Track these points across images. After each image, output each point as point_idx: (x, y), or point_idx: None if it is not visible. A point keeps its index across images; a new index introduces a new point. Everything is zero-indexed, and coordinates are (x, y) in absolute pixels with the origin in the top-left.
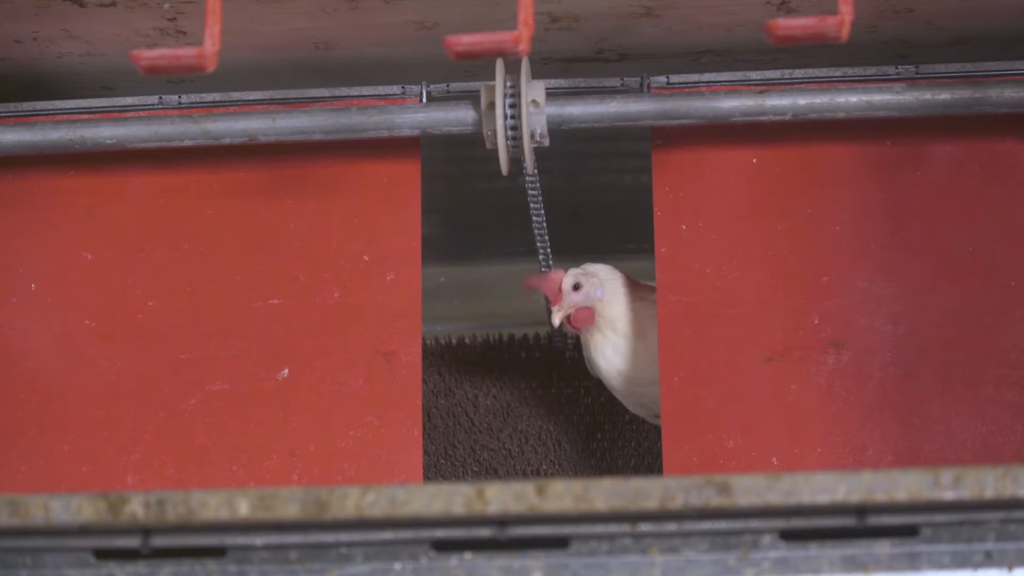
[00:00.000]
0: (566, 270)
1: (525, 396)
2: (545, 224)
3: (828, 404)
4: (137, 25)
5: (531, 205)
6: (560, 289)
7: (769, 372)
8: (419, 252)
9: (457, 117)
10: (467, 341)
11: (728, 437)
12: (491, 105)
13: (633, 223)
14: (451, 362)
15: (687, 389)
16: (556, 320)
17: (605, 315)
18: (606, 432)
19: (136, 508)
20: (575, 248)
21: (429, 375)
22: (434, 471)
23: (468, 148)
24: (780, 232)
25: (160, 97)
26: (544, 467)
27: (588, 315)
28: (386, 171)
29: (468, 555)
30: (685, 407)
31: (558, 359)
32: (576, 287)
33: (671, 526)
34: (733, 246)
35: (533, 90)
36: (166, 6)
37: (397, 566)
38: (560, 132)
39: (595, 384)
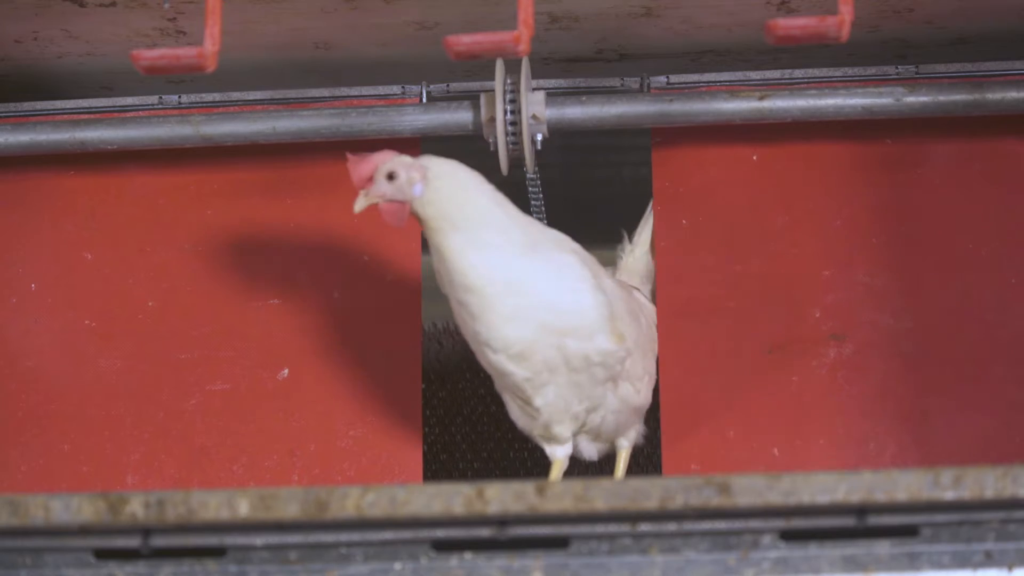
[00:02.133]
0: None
1: None
2: (545, 219)
3: (829, 396)
4: (137, 25)
5: (531, 201)
6: (372, 175)
7: (770, 364)
8: (419, 252)
9: (457, 121)
10: None
11: (729, 428)
12: (491, 119)
13: (631, 214)
14: (449, 349)
15: (687, 380)
16: (357, 207)
17: (430, 213)
18: None
19: (136, 508)
20: (574, 239)
21: (427, 363)
22: (435, 464)
23: (467, 142)
24: (781, 227)
25: (160, 97)
26: (544, 457)
27: (398, 211)
28: None
29: (468, 555)
30: (685, 399)
31: None
32: (391, 176)
33: (671, 526)
34: (733, 241)
35: (533, 104)
36: (166, 6)
37: (397, 566)
38: (560, 131)
39: None
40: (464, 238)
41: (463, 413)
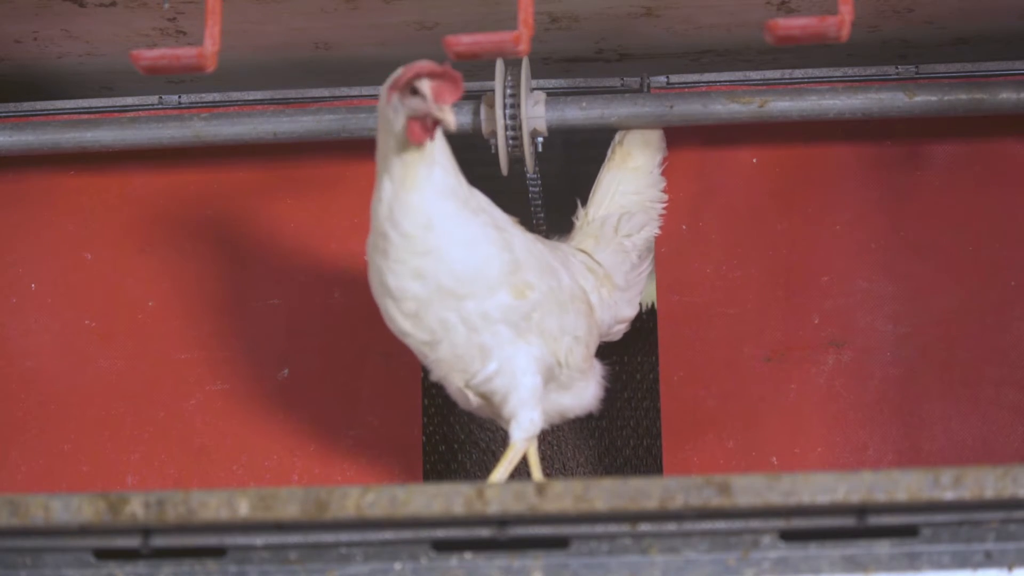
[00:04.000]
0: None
1: None
2: (544, 216)
3: (828, 404)
4: (137, 25)
5: (531, 199)
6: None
7: (769, 372)
8: None
9: (457, 122)
10: None
11: (728, 437)
12: (491, 121)
13: None
14: None
15: (687, 388)
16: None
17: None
18: (604, 411)
19: (136, 508)
20: (570, 230)
21: None
22: (434, 456)
23: (467, 142)
24: (780, 232)
25: (160, 97)
26: (543, 448)
27: (426, 129)
28: None
29: (468, 555)
30: (685, 407)
31: None
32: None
33: (671, 526)
34: (733, 246)
35: (533, 107)
36: (166, 6)
37: (397, 566)
38: (560, 132)
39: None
40: (429, 172)
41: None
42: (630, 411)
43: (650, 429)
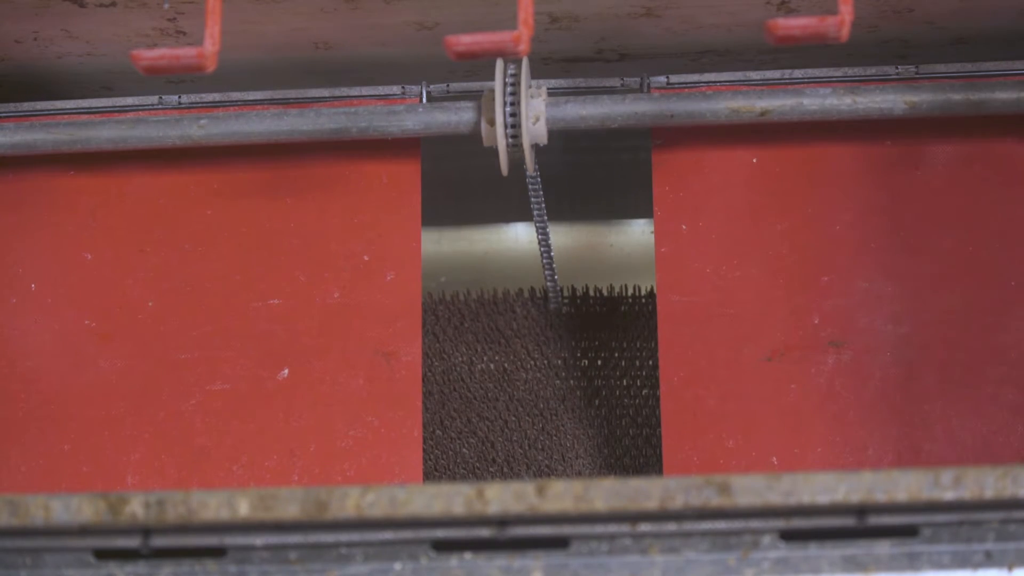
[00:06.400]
0: None
1: (521, 359)
2: (545, 216)
3: (828, 404)
4: (137, 25)
5: (532, 199)
6: None
7: (769, 372)
8: (419, 252)
9: (457, 122)
10: (461, 297)
11: (728, 437)
12: (491, 121)
13: (628, 196)
14: (444, 320)
15: (687, 389)
16: None
17: None
18: (604, 399)
19: (136, 508)
20: (572, 222)
21: (423, 335)
22: (431, 443)
23: (467, 142)
24: (780, 232)
25: (160, 97)
26: (542, 439)
27: None
28: (386, 171)
29: (468, 555)
30: (685, 407)
31: (553, 319)
32: None
33: (671, 526)
34: (733, 246)
35: (534, 106)
36: (166, 6)
37: (397, 566)
38: (560, 131)
39: (592, 346)
40: None
41: (459, 391)
42: (629, 399)
43: (650, 418)
